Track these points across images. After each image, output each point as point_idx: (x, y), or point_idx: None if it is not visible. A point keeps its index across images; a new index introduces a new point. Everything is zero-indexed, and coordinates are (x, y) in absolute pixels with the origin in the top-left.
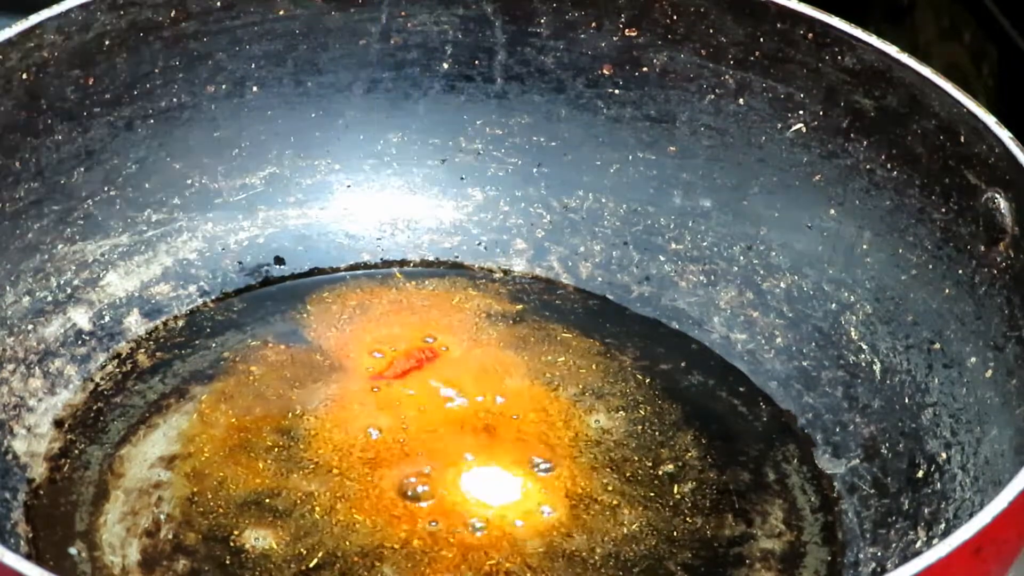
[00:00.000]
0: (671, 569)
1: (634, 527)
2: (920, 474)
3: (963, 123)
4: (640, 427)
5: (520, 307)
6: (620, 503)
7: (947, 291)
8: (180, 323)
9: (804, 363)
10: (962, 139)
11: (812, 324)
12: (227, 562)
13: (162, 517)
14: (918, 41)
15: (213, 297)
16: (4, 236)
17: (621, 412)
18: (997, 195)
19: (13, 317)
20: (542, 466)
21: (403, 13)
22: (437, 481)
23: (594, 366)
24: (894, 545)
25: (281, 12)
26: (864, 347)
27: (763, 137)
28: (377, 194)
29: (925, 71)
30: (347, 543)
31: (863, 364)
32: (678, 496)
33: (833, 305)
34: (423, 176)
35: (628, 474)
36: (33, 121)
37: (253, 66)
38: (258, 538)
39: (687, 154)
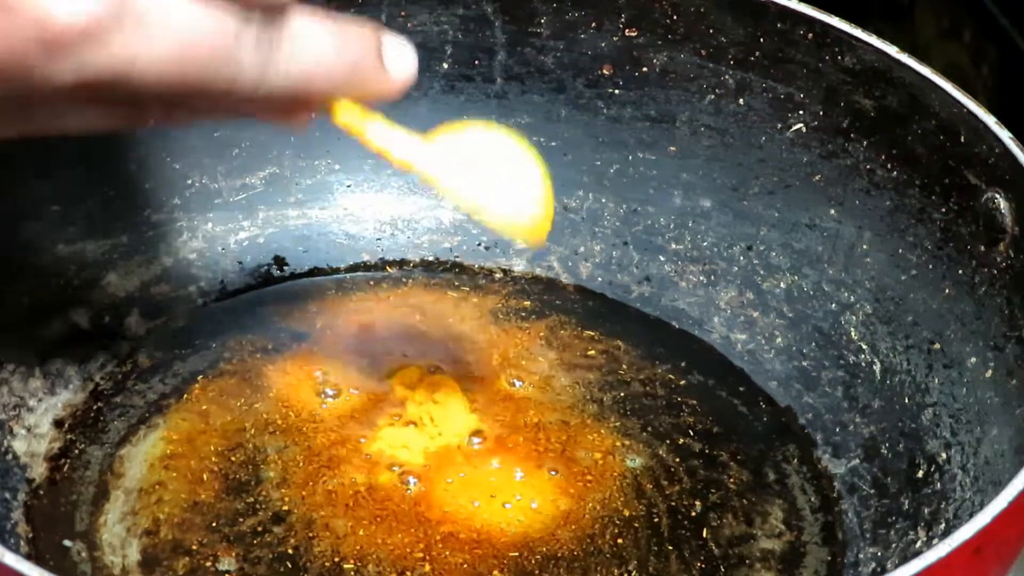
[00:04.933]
0: (671, 568)
1: (633, 525)
2: (920, 474)
3: (963, 123)
4: (640, 427)
5: (520, 308)
6: (620, 502)
7: (947, 291)
8: (180, 323)
9: (804, 363)
10: (962, 139)
11: (812, 324)
12: (227, 558)
13: (162, 517)
14: (918, 41)
15: (213, 297)
16: (4, 236)
17: (621, 412)
18: (997, 195)
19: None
20: (542, 468)
21: (403, 13)
22: (435, 486)
23: (594, 366)
24: (894, 545)
25: None
26: (864, 347)
27: (763, 137)
28: (377, 194)
29: (925, 71)
30: (348, 544)
31: (863, 364)
32: (678, 496)
33: (833, 305)
34: None
35: (628, 473)
36: None
37: None
38: (256, 537)
39: (687, 154)
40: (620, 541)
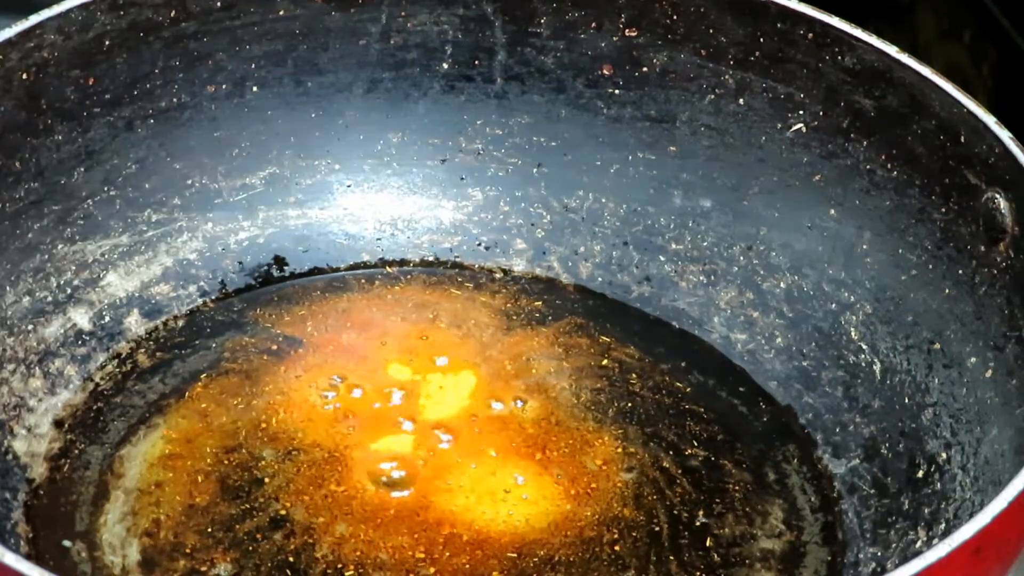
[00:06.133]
0: (671, 569)
1: (633, 526)
2: (920, 474)
3: (963, 123)
4: (640, 427)
5: (521, 309)
6: (620, 503)
7: (947, 291)
8: (180, 323)
9: (804, 363)
10: (962, 139)
11: (812, 324)
12: (225, 561)
13: (162, 517)
14: (918, 41)
15: (213, 297)
16: (4, 236)
17: (621, 412)
18: (997, 195)
19: (13, 317)
20: (544, 471)
21: (403, 13)
22: (437, 488)
23: (594, 366)
24: (894, 545)
25: (281, 12)
26: (864, 347)
27: (763, 137)
28: (377, 194)
29: (925, 71)
30: (348, 548)
31: (863, 364)
32: (678, 496)
33: (833, 305)
34: (423, 176)
35: (627, 474)
36: (33, 121)
37: (253, 66)
38: (255, 543)
39: (687, 154)
40: (620, 542)
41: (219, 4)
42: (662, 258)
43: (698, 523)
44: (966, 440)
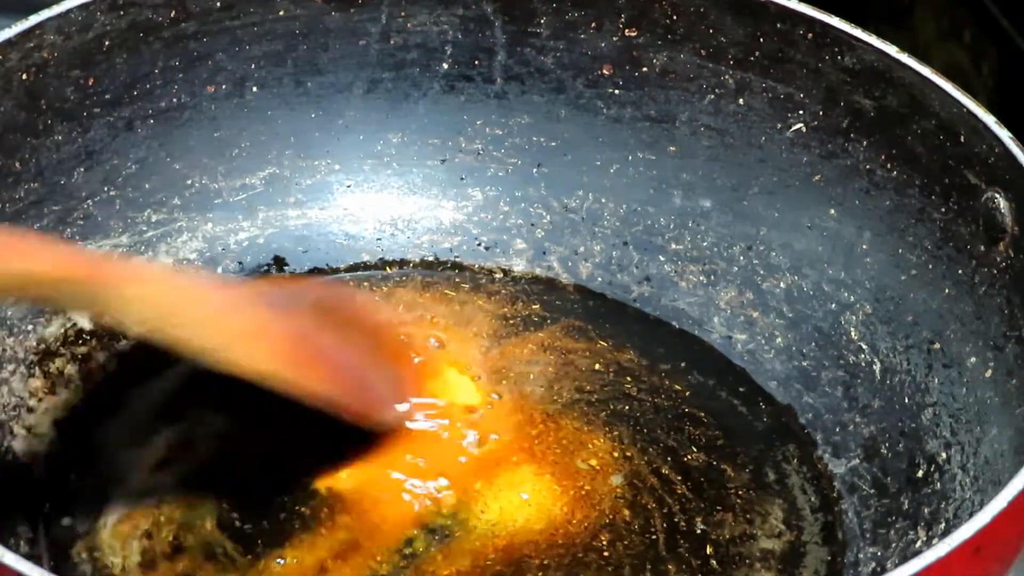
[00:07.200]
0: (670, 570)
1: (633, 526)
2: (920, 474)
3: (963, 123)
4: (640, 429)
5: (520, 308)
6: (619, 502)
7: (947, 291)
8: None
9: (804, 363)
10: (962, 139)
11: (812, 324)
12: (225, 562)
13: (162, 518)
14: (918, 41)
15: None
16: None
17: (620, 414)
18: (997, 195)
19: (13, 317)
20: (540, 474)
21: (403, 13)
22: (432, 489)
23: (594, 366)
24: (894, 545)
25: (281, 12)
26: (864, 347)
27: (763, 137)
28: (377, 194)
29: (925, 71)
30: (339, 546)
31: (863, 364)
32: (677, 496)
33: (833, 305)
34: (423, 176)
35: (627, 474)
36: (33, 121)
37: (253, 66)
38: (254, 542)
39: (687, 154)
40: (617, 545)
41: (219, 4)
42: (662, 258)
43: (697, 523)
44: (966, 440)
